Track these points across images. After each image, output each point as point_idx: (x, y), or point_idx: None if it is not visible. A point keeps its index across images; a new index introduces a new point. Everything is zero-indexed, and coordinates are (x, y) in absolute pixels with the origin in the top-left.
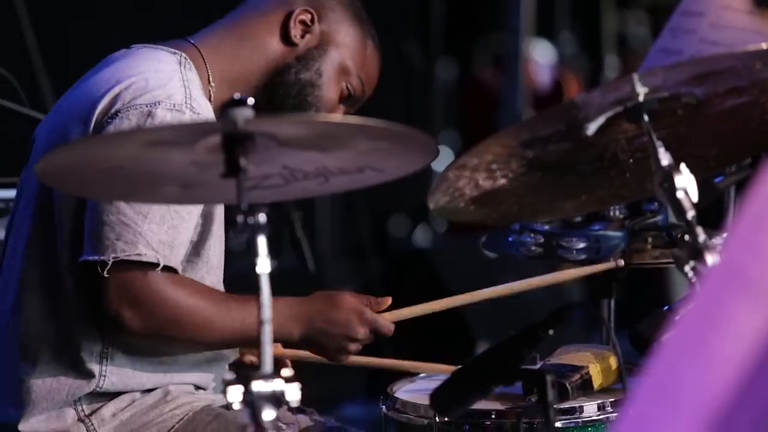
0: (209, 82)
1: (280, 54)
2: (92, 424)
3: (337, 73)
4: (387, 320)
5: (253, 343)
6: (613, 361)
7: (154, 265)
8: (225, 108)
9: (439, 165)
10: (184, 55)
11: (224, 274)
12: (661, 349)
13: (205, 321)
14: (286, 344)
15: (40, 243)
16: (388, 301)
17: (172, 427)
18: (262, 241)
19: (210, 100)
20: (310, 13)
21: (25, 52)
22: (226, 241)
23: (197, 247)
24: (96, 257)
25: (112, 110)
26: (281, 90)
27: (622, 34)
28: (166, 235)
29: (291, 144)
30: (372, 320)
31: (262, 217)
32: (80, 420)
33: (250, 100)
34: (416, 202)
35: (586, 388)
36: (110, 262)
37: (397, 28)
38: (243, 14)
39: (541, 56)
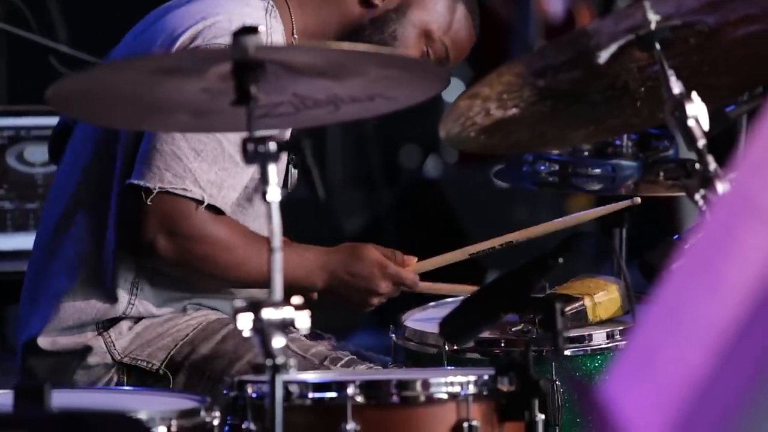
0: (293, 34)
1: (357, 14)
2: (110, 337)
3: (416, 36)
4: (411, 274)
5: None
6: (615, 294)
7: (198, 202)
8: (235, 35)
9: (450, 96)
10: (272, 2)
11: None
12: (670, 277)
13: (240, 261)
14: (311, 293)
15: (97, 169)
16: (413, 260)
17: (186, 336)
18: (272, 170)
19: None
20: None
21: None
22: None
23: (251, 194)
24: (142, 182)
25: (192, 45)
26: None
27: None
28: (216, 175)
29: (301, 72)
30: (395, 274)
31: (272, 146)
32: (99, 334)
33: (261, 28)
34: (427, 132)
35: (579, 320)
36: (155, 191)
37: None
38: None
39: None
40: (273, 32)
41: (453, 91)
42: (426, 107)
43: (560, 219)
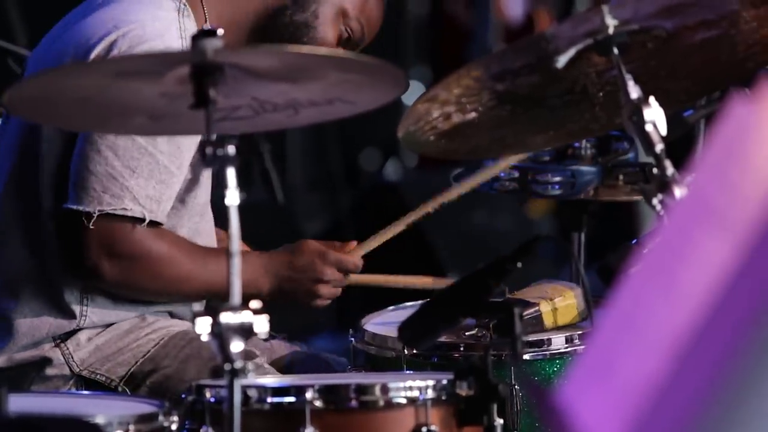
0: None
1: None
2: (68, 349)
3: (335, 15)
4: (352, 257)
5: (216, 296)
6: (573, 300)
7: (139, 220)
8: (194, 39)
9: (410, 99)
10: (184, 1)
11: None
12: (627, 281)
13: (184, 275)
14: (258, 298)
15: (21, 181)
16: (353, 244)
17: (147, 352)
18: (231, 173)
19: None
20: None
21: None
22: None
23: (182, 196)
24: (81, 207)
25: (109, 57)
26: (275, 32)
27: None
28: (154, 190)
29: (260, 75)
30: (336, 259)
31: (231, 149)
32: (56, 346)
33: (220, 31)
34: (387, 136)
35: (535, 325)
36: (95, 215)
37: None
38: None
39: None
40: (188, 34)
41: (413, 94)
42: (386, 110)
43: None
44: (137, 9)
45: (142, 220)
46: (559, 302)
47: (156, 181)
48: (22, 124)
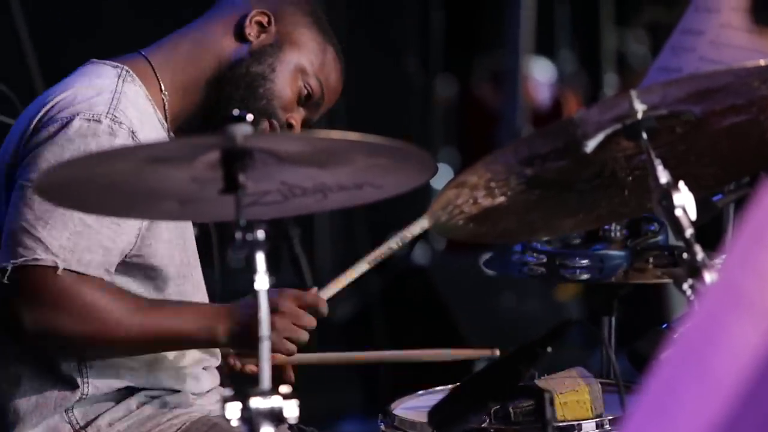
0: (161, 91)
1: (233, 50)
2: None
3: (293, 71)
4: (311, 293)
5: (164, 346)
6: (586, 396)
7: (54, 269)
8: (224, 124)
9: (438, 182)
10: (125, 67)
11: (223, 291)
12: (659, 367)
13: (109, 319)
14: (217, 346)
15: None
16: (314, 290)
17: None
18: (260, 258)
19: (164, 108)
20: (267, 16)
21: (25, 68)
22: (224, 258)
23: (148, 259)
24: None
25: (39, 125)
26: (231, 83)
27: (621, 52)
28: (68, 240)
29: (290, 160)
30: (295, 294)
31: (260, 234)
32: (76, 431)
33: (249, 117)
34: (415, 219)
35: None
36: (9, 268)
37: (396, 44)
38: (199, 22)
39: (540, 74)
40: (122, 96)
41: (440, 176)
42: (413, 193)
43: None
44: (76, 79)
45: (56, 268)
46: (569, 397)
47: (70, 232)
48: None
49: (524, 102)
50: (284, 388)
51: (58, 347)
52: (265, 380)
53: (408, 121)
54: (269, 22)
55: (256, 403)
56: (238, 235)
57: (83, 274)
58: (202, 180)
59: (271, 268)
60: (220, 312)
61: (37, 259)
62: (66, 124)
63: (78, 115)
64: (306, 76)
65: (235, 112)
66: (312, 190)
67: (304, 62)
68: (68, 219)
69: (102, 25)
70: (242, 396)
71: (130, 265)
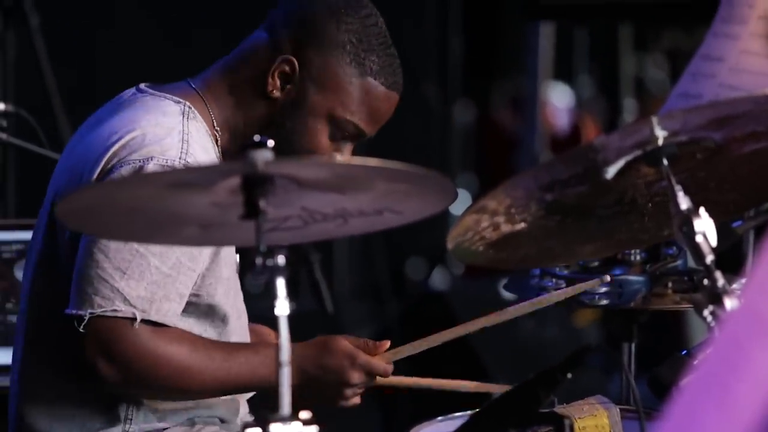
0: (214, 127)
1: (265, 108)
2: None
3: (321, 120)
4: (382, 362)
5: (239, 391)
6: (605, 420)
7: (132, 320)
8: (245, 149)
9: (456, 207)
10: (187, 103)
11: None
12: (680, 394)
13: (185, 370)
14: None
15: (42, 293)
16: (386, 344)
17: None
18: (281, 284)
19: (217, 143)
20: (291, 63)
21: (45, 93)
22: (243, 283)
23: (223, 315)
24: (75, 311)
25: (109, 166)
26: (270, 136)
27: (640, 77)
28: (145, 290)
29: (310, 186)
30: (365, 363)
31: (281, 259)
32: None
33: (270, 142)
34: (433, 244)
35: None
36: (86, 318)
37: (415, 69)
38: (234, 61)
39: (559, 99)
40: (190, 138)
41: (459, 202)
42: (432, 218)
43: (528, 302)
44: (140, 116)
45: (135, 320)
46: (587, 422)
47: (148, 282)
48: (45, 228)
49: (543, 127)
50: (304, 414)
51: (131, 396)
52: (285, 406)
53: (426, 146)
54: (293, 70)
55: (277, 429)
56: (259, 260)
57: (162, 324)
58: (223, 205)
59: (291, 294)
60: (295, 360)
61: (116, 311)
62: (140, 169)
63: (151, 159)
64: (336, 120)
65: (256, 137)
66: (332, 215)
67: (336, 107)
68: (145, 269)
69: (121, 46)
70: (263, 422)
71: (188, 305)
